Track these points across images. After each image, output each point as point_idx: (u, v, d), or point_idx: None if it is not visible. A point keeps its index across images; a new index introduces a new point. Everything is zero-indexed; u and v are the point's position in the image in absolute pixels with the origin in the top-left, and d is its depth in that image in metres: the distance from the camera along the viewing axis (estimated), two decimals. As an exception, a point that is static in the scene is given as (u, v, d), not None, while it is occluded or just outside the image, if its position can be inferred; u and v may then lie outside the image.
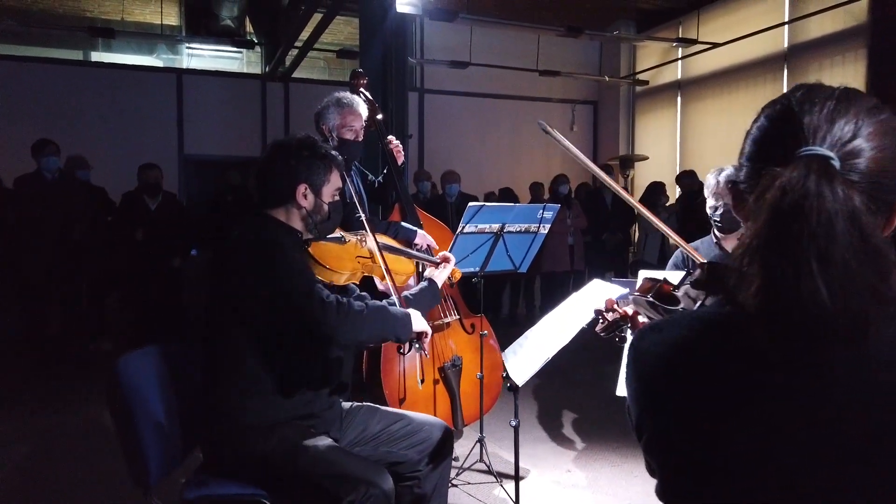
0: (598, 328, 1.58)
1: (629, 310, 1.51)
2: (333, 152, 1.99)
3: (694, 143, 9.51)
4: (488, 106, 10.32)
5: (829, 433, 0.73)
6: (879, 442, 0.72)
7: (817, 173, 0.72)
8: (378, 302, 1.95)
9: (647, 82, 10.30)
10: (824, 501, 0.74)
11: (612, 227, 7.30)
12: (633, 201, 1.75)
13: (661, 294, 1.31)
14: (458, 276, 2.57)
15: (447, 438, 2.00)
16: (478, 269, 2.73)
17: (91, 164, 5.99)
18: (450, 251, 2.59)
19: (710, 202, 2.68)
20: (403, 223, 2.91)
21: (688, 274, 1.26)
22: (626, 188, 8.79)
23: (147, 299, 5.78)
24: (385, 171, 3.18)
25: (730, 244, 2.73)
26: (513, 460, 2.64)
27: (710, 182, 2.65)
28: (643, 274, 1.75)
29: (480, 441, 3.02)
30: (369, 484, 1.63)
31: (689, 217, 6.93)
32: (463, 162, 8.94)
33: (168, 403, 1.78)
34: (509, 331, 3.13)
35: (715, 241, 2.75)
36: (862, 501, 0.73)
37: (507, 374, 1.84)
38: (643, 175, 9.83)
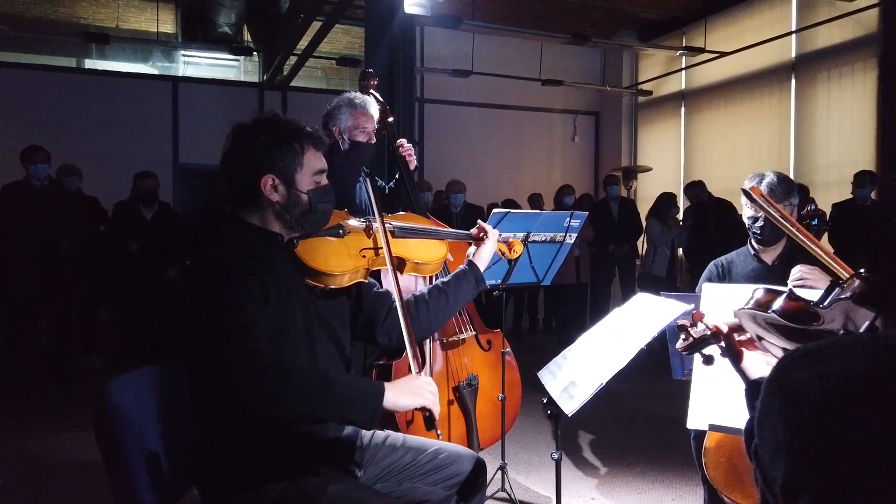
0: (679, 345, 1.37)
1: (722, 325, 1.31)
2: (307, 128, 1.61)
3: (699, 154, 9.36)
4: (489, 116, 10.17)
5: None
6: None
7: None
8: (331, 373, 1.56)
9: (650, 92, 10.18)
10: None
11: (618, 239, 7.12)
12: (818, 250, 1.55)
13: (793, 311, 1.10)
14: (518, 248, 2.16)
15: (479, 473, 1.77)
16: (500, 281, 2.53)
17: (83, 173, 5.78)
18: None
19: (748, 212, 2.49)
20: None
21: (834, 286, 1.05)
22: (630, 199, 8.63)
23: (141, 313, 5.54)
24: (397, 177, 2.99)
25: (769, 256, 2.54)
26: (538, 489, 2.42)
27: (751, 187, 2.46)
28: (707, 288, 1.56)
29: (502, 468, 2.81)
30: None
31: (701, 229, 6.76)
32: (464, 172, 8.76)
33: (165, 433, 1.57)
34: (512, 345, 2.95)
35: (753, 252, 2.57)
36: None
37: (549, 401, 1.63)
38: (646, 187, 9.68)
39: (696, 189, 7.07)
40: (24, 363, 5.11)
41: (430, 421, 1.53)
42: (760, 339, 1.20)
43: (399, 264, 1.79)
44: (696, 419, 1.82)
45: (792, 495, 0.67)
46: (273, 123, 1.58)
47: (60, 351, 5.28)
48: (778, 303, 1.10)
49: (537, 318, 8.29)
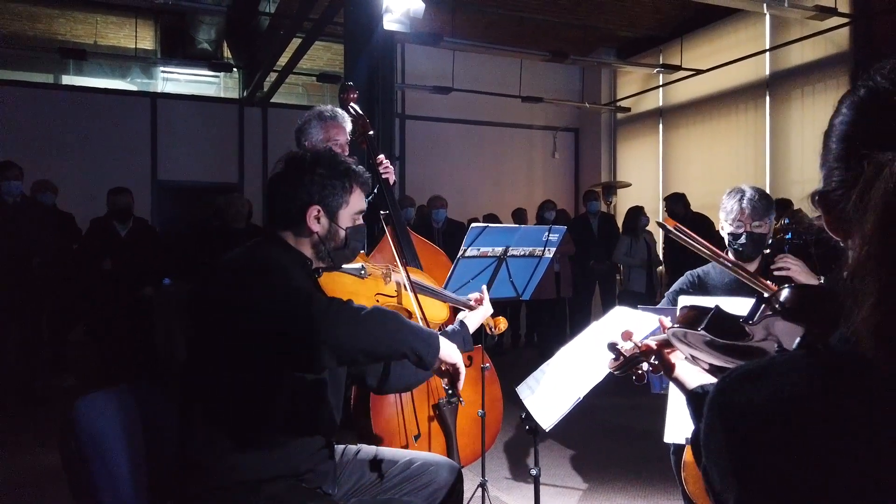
0: (611, 365, 1.36)
1: (652, 343, 1.30)
2: (359, 168, 1.69)
3: (677, 169, 9.48)
4: (470, 132, 10.23)
5: None
6: None
7: None
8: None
9: (628, 109, 10.31)
10: None
11: (599, 254, 7.15)
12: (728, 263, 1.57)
13: (720, 326, 1.10)
14: (502, 325, 2.33)
15: (456, 479, 1.76)
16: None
17: (59, 189, 5.70)
18: (450, 276, 2.38)
19: (728, 228, 2.50)
20: None
21: (761, 301, 1.04)
22: (610, 214, 8.69)
23: (115, 332, 5.44)
24: (375, 191, 2.98)
25: (751, 266, 2.56)
26: (511, 502, 2.40)
27: (730, 206, 2.47)
28: (684, 301, 1.56)
29: (482, 486, 2.78)
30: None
31: (677, 244, 6.78)
32: (445, 188, 8.78)
33: (133, 454, 1.53)
34: (494, 360, 2.93)
35: (735, 259, 2.58)
36: None
37: (527, 416, 1.62)
38: (626, 202, 9.76)
39: (675, 201, 7.08)
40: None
41: (453, 385, 1.61)
42: (695, 358, 1.19)
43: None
44: (673, 433, 1.81)
45: None
46: (331, 160, 1.65)
47: (30, 369, 5.16)
48: (706, 320, 1.10)
49: (519, 333, 8.28)
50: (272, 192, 1.66)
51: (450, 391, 1.61)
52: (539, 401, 1.53)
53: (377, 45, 4.37)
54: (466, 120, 10.11)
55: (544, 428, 1.50)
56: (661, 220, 1.87)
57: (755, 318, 1.02)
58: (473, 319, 2.01)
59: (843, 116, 0.71)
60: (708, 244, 1.66)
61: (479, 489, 2.78)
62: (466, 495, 2.86)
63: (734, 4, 6.86)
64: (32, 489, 3.30)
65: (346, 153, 2.88)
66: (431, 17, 8.27)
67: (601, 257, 7.14)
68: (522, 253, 2.52)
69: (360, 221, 1.70)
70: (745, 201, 2.43)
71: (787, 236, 2.65)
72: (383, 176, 2.98)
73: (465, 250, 2.34)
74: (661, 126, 9.73)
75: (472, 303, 2.08)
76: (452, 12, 7.99)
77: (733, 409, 0.68)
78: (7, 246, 4.84)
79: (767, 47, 7.83)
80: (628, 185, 9.68)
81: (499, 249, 2.43)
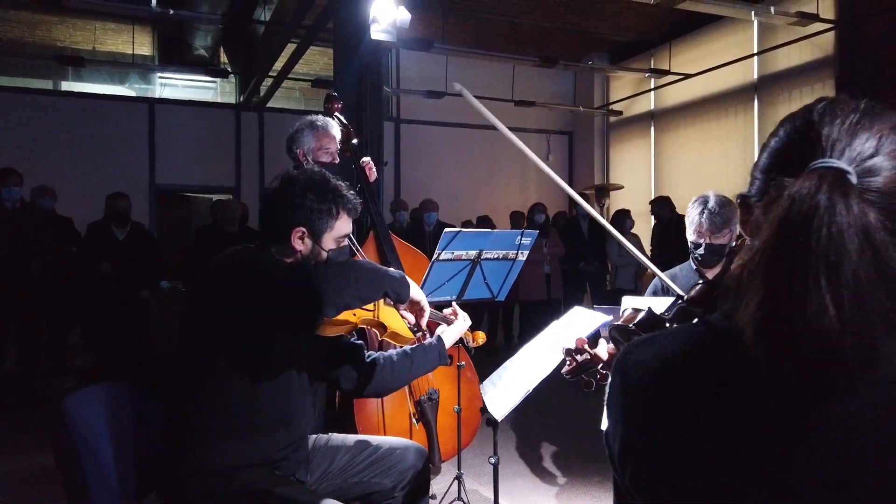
0: (564, 370, 1.45)
1: (602, 353, 1.41)
2: (349, 194, 1.77)
3: (668, 171, 9.60)
4: (465, 135, 10.34)
5: (833, 456, 0.67)
6: (886, 468, 0.66)
7: (830, 186, 0.66)
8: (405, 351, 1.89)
9: (620, 112, 10.42)
10: None
11: (588, 256, 7.27)
12: (605, 222, 1.71)
13: (648, 323, 1.22)
14: (480, 339, 2.39)
15: (422, 461, 1.88)
16: (454, 297, 2.63)
17: (58, 195, 5.82)
18: (425, 279, 2.50)
19: (691, 237, 2.60)
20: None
21: (678, 299, 1.17)
22: (604, 216, 8.80)
23: (113, 334, 5.56)
24: (358, 190, 3.10)
25: (710, 273, 2.67)
26: (492, 497, 2.51)
27: (692, 217, 2.56)
28: (627, 301, 1.67)
29: (458, 478, 2.89)
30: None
31: (665, 246, 6.92)
32: (440, 191, 8.90)
33: (121, 446, 1.65)
34: (486, 361, 3.03)
35: (695, 268, 2.70)
36: None
37: (484, 408, 1.74)
38: (619, 204, 9.88)
39: (660, 206, 7.21)
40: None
41: (418, 323, 1.78)
42: None
43: (380, 328, 1.89)
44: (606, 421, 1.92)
45: (623, 462, 0.78)
46: (322, 187, 1.73)
47: (30, 371, 5.28)
48: (638, 318, 1.22)
49: (512, 333, 8.40)
50: (263, 207, 1.77)
51: (415, 328, 1.78)
52: (496, 394, 1.65)
53: (365, 53, 4.49)
54: (461, 123, 10.22)
55: (496, 418, 1.62)
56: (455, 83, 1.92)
57: (670, 313, 1.15)
58: (450, 334, 2.08)
59: (778, 135, 0.80)
60: (629, 244, 1.77)
61: (456, 481, 2.89)
62: (444, 487, 2.99)
63: (723, 12, 6.98)
64: (31, 488, 3.41)
65: (337, 160, 3.01)
66: (424, 23, 8.40)
67: (591, 259, 7.26)
68: (496, 256, 2.64)
69: (345, 243, 1.79)
70: (704, 215, 2.50)
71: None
72: (366, 173, 3.11)
73: (440, 254, 2.46)
74: (652, 129, 9.85)
75: (449, 317, 2.15)
76: (445, 17, 8.11)
77: (627, 366, 0.81)
78: (7, 250, 4.97)
79: (755, 52, 7.95)
80: (621, 187, 9.78)
81: (472, 253, 2.55)
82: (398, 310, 1.75)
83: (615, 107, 10.45)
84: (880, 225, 0.66)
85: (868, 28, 6.76)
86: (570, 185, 11.68)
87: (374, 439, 1.91)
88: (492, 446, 2.46)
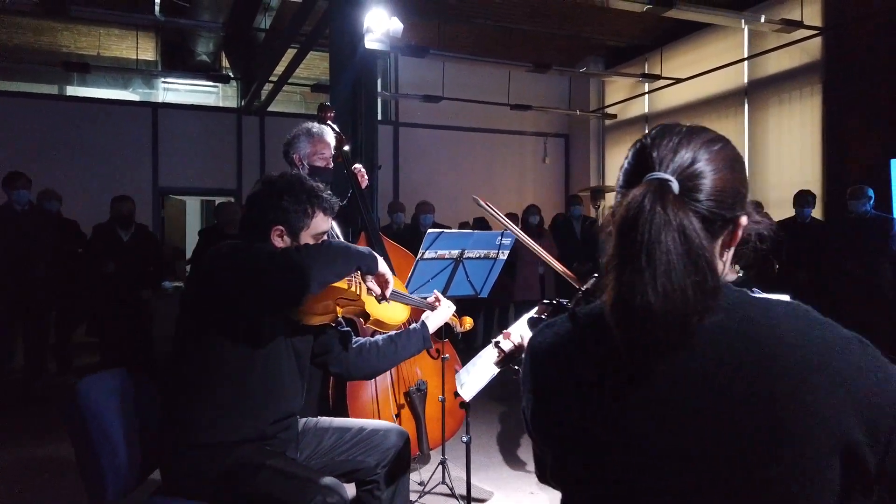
0: (494, 361, 1.60)
1: (525, 342, 1.54)
2: (324, 195, 1.91)
3: (662, 174, 9.75)
4: (462, 138, 10.52)
5: (663, 401, 0.86)
6: (703, 421, 0.84)
7: (653, 193, 0.85)
8: (389, 337, 2.06)
9: (615, 116, 10.59)
10: (665, 483, 0.85)
11: (580, 256, 7.43)
12: (513, 226, 1.91)
13: (555, 312, 1.41)
14: (468, 324, 2.51)
15: (403, 441, 2.05)
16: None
17: (63, 197, 6.00)
18: (410, 276, 2.67)
19: None
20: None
21: (579, 290, 1.37)
22: (593, 218, 8.97)
23: (116, 331, 5.74)
24: (350, 195, 3.28)
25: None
26: (480, 485, 2.68)
27: None
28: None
29: (443, 463, 3.06)
30: (327, 493, 1.68)
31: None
32: (437, 193, 9.06)
33: (127, 425, 1.82)
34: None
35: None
36: (696, 477, 0.84)
37: (456, 391, 1.91)
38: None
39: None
40: (3, 381, 5.27)
41: (383, 293, 1.94)
42: None
43: (364, 316, 2.04)
44: None
45: (530, 419, 1.00)
46: (296, 188, 1.88)
47: (37, 368, 5.45)
48: (548, 309, 1.41)
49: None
50: (247, 207, 1.93)
51: (380, 297, 1.95)
52: (467, 378, 1.81)
53: (360, 61, 4.67)
54: (459, 127, 10.40)
55: (465, 399, 1.79)
56: (475, 196, 2.10)
57: (571, 301, 1.36)
58: (434, 319, 2.25)
59: (626, 160, 0.98)
60: (512, 224, 2.00)
61: (440, 467, 3.05)
62: (429, 473, 3.16)
63: (709, 20, 7.14)
64: (40, 479, 3.59)
65: (331, 165, 3.19)
66: (421, 29, 8.59)
67: (583, 259, 7.42)
68: (478, 255, 2.81)
69: (323, 239, 1.92)
70: None
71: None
72: (358, 179, 3.28)
73: (423, 253, 2.63)
74: (646, 132, 9.99)
75: (432, 304, 2.31)
76: (442, 24, 8.29)
77: (533, 347, 1.02)
78: (16, 251, 5.15)
79: (745, 56, 8.11)
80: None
81: (455, 252, 2.72)
82: (366, 282, 1.92)
83: (610, 110, 10.62)
84: (697, 223, 0.85)
85: (854, 33, 6.92)
86: (567, 187, 11.81)
87: (359, 422, 2.09)
88: (465, 427, 2.63)
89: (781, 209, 6.51)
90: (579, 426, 0.91)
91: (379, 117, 9.80)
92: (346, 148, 3.34)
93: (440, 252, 2.68)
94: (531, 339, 1.02)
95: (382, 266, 1.89)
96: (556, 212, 9.48)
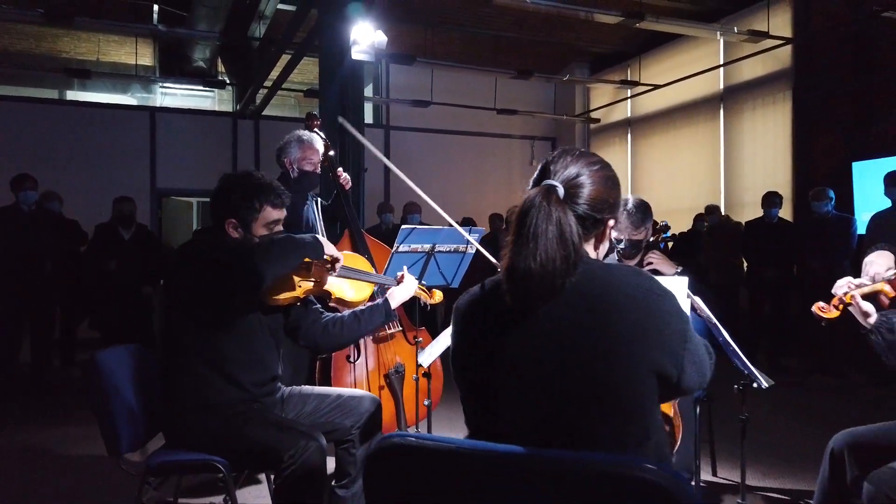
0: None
1: None
2: (274, 190, 2.16)
3: (643, 176, 10.11)
4: (452, 142, 10.84)
5: (538, 345, 1.19)
6: (565, 345, 1.17)
7: (542, 194, 1.21)
8: (356, 313, 2.34)
9: (599, 120, 10.94)
10: (534, 394, 1.18)
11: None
12: (447, 216, 2.26)
13: None
14: (437, 297, 2.76)
15: (375, 406, 2.37)
16: (413, 283, 3.13)
17: (64, 198, 6.27)
18: (386, 268, 2.99)
19: (614, 234, 3.09)
20: None
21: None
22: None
23: (118, 325, 6.02)
24: (334, 196, 3.61)
25: (630, 263, 3.17)
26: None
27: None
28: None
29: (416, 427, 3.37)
30: (307, 439, 1.99)
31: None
32: (427, 194, 9.33)
33: (136, 388, 2.13)
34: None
35: (618, 258, 3.19)
36: (558, 385, 1.17)
37: (420, 363, 2.24)
38: (598, 207, 10.37)
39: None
40: (11, 374, 5.54)
41: (333, 266, 2.21)
42: None
43: (325, 295, 2.34)
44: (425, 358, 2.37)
45: (451, 364, 1.32)
46: (244, 183, 2.15)
47: (43, 363, 5.72)
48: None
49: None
50: (210, 202, 2.22)
51: (329, 265, 2.23)
52: (428, 349, 2.13)
53: (346, 71, 5.00)
54: (448, 130, 10.72)
55: (423, 365, 2.11)
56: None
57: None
58: (398, 294, 2.53)
59: (537, 170, 1.34)
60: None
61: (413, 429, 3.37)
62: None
63: (681, 31, 7.48)
64: (54, 455, 3.90)
65: (318, 170, 3.52)
66: (411, 36, 8.91)
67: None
68: (448, 249, 3.13)
69: (278, 228, 2.19)
70: (624, 215, 3.02)
71: (665, 234, 3.27)
72: (342, 183, 3.61)
73: (398, 246, 2.95)
74: (629, 136, 10.37)
75: (398, 277, 2.59)
76: (430, 32, 8.61)
77: (454, 308, 1.34)
78: (24, 250, 5.43)
79: (721, 63, 8.45)
80: (600, 191, 10.30)
81: (427, 246, 3.04)
82: (318, 270, 2.22)
83: (595, 114, 10.96)
84: (572, 218, 1.20)
85: (820, 43, 7.27)
86: (550, 188, 12.22)
87: (338, 390, 2.41)
88: (451, 410, 2.94)
89: (756, 210, 6.84)
90: (480, 364, 1.25)
91: (371, 121, 10.16)
92: (332, 153, 3.67)
93: (413, 246, 3.00)
94: (455, 303, 1.34)
95: (328, 249, 2.19)
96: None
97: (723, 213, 7.66)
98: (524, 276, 1.16)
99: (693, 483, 2.90)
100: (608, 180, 1.31)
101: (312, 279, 2.24)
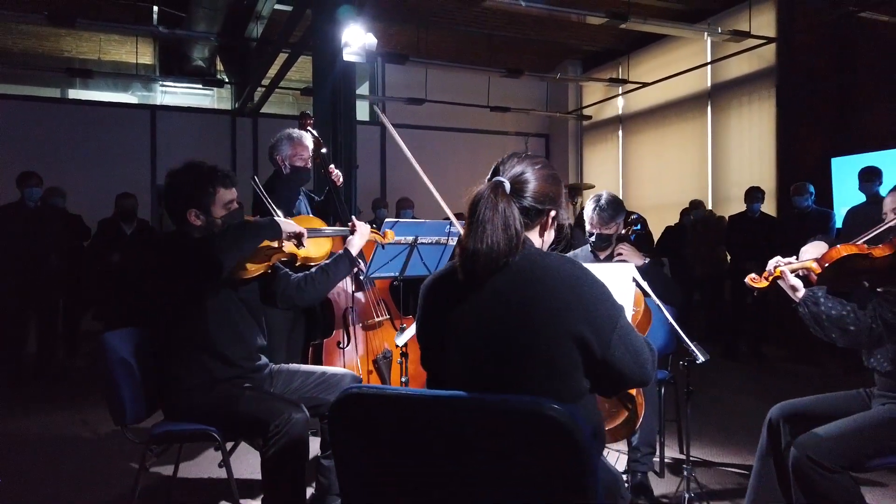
0: None
1: None
2: (219, 171, 2.32)
3: (634, 171, 10.31)
4: (447, 139, 11.02)
5: (486, 316, 1.40)
6: (503, 315, 1.39)
7: (491, 188, 1.43)
8: (321, 268, 2.54)
9: (590, 117, 11.14)
10: (475, 355, 1.39)
11: (556, 250, 7.94)
12: (444, 205, 2.46)
13: None
14: (390, 237, 2.97)
15: (356, 382, 2.58)
16: (397, 273, 3.33)
17: (68, 194, 6.46)
18: (371, 259, 3.19)
19: (588, 227, 3.31)
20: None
21: None
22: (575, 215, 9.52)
23: (118, 316, 6.21)
24: (326, 191, 3.81)
25: (602, 254, 3.37)
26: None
27: (588, 212, 3.27)
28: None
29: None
30: (292, 410, 2.20)
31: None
32: (422, 191, 9.46)
33: (139, 365, 2.34)
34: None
35: (591, 250, 3.40)
36: (495, 349, 1.38)
37: (397, 344, 2.44)
38: (589, 202, 10.56)
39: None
40: (17, 364, 5.74)
41: (300, 243, 2.42)
42: None
43: (293, 259, 2.56)
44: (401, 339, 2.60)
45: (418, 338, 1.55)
46: (194, 172, 2.32)
47: (48, 352, 5.94)
48: None
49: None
50: (164, 202, 2.39)
51: (295, 242, 2.42)
52: (404, 333, 2.33)
53: (339, 72, 5.21)
54: (443, 127, 10.91)
55: (398, 344, 2.33)
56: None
57: None
58: (355, 242, 2.72)
59: (492, 169, 1.54)
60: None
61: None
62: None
63: (663, 31, 7.67)
64: (61, 441, 4.11)
65: (309, 166, 3.73)
66: (405, 35, 9.11)
67: (565, 248, 7.94)
68: (430, 241, 3.33)
69: (235, 205, 2.36)
70: (595, 211, 3.23)
71: (636, 227, 3.47)
72: (334, 181, 3.82)
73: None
74: (620, 133, 10.57)
75: (350, 226, 2.78)
76: (423, 30, 8.80)
77: (423, 286, 1.56)
78: (30, 245, 5.64)
79: (708, 61, 8.64)
80: (592, 186, 10.47)
81: (410, 238, 3.24)
82: (281, 242, 2.41)
83: (587, 111, 11.15)
84: (515, 209, 1.42)
85: (801, 42, 7.46)
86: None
87: (322, 368, 2.61)
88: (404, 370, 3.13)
89: (742, 205, 7.04)
90: (435, 328, 1.47)
91: (367, 118, 10.36)
92: (324, 150, 3.88)
93: (396, 238, 3.20)
94: (423, 282, 1.55)
95: (287, 226, 2.37)
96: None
97: (708, 208, 7.86)
98: (473, 256, 1.38)
99: (656, 458, 3.12)
100: (550, 178, 1.52)
101: (280, 249, 2.44)
